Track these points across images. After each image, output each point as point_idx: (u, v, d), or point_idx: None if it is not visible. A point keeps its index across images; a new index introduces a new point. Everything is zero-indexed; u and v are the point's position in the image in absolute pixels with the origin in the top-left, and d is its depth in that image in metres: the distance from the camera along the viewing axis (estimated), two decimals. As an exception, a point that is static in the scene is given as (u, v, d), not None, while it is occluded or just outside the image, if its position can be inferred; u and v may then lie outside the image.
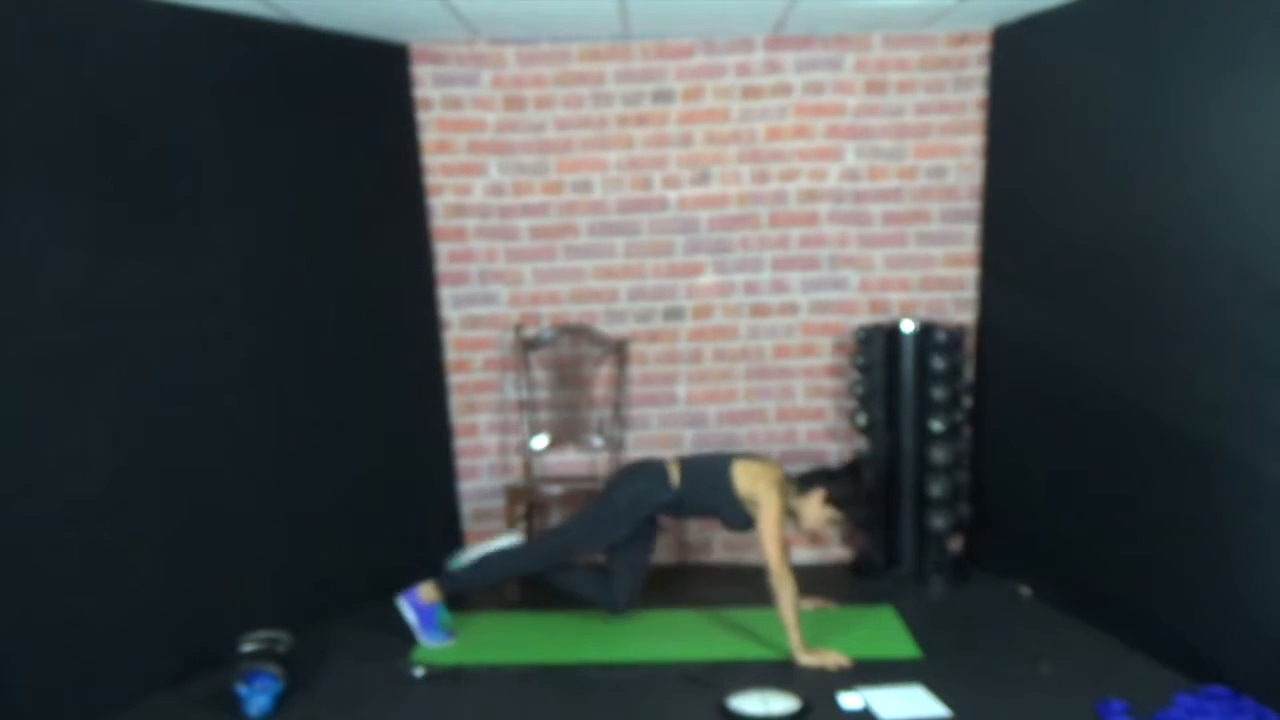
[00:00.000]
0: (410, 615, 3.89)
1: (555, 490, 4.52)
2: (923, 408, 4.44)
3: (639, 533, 4.04)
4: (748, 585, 4.24)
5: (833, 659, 3.62)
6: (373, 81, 4.40)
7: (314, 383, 4.12)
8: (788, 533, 3.83)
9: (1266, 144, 3.08)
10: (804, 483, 3.90)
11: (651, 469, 4.04)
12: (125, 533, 3.42)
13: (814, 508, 3.87)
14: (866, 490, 4.11)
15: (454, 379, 4.78)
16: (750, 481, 3.86)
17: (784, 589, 3.66)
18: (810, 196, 4.67)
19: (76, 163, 3.29)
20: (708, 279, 4.74)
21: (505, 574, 4.09)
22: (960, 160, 4.63)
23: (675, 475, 3.97)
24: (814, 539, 4.77)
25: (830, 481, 3.88)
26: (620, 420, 4.73)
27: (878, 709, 3.30)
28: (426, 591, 3.91)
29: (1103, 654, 3.70)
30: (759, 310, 4.76)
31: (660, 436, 4.84)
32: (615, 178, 4.67)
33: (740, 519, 3.90)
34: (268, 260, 3.94)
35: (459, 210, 4.67)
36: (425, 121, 4.58)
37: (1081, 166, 3.94)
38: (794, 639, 3.66)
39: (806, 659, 3.63)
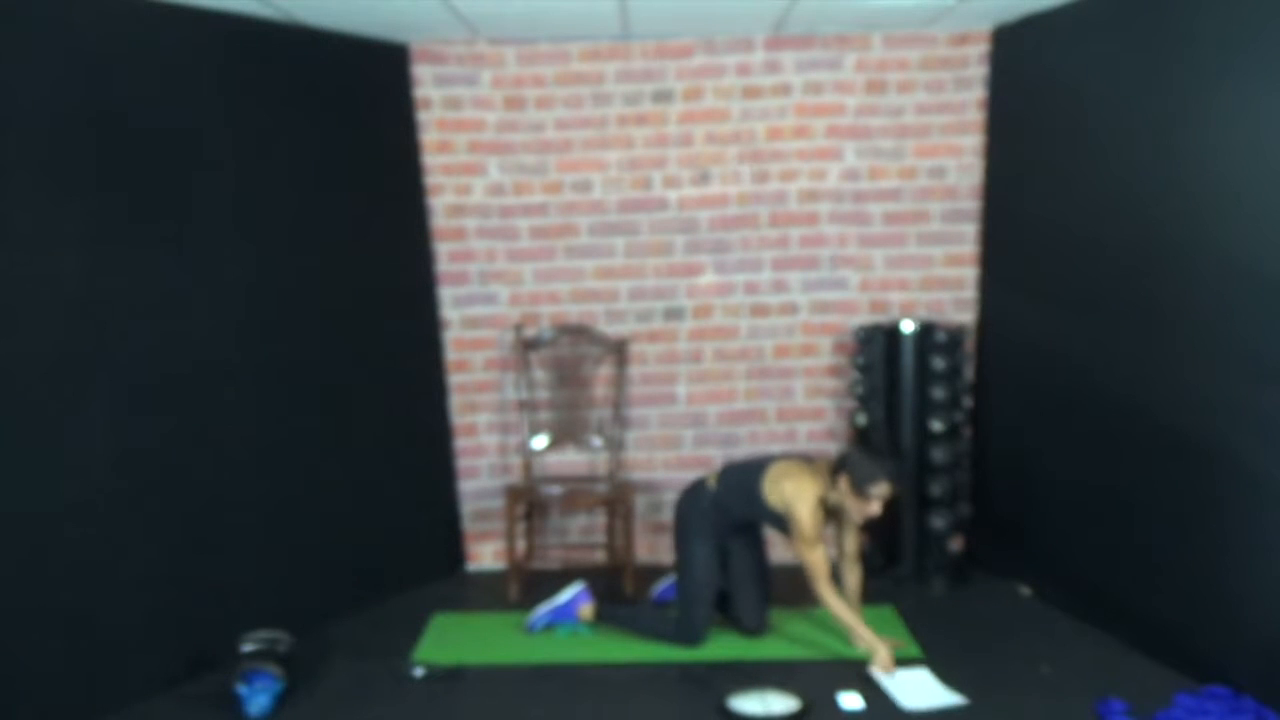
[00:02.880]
0: (564, 596, 4.03)
1: (555, 490, 4.51)
2: (923, 408, 4.44)
3: (736, 547, 3.94)
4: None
5: (884, 658, 3.55)
6: (373, 81, 4.40)
7: (314, 382, 4.12)
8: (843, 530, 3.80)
9: (1267, 144, 3.08)
10: (834, 477, 3.67)
11: (692, 484, 4.00)
12: (125, 533, 3.42)
13: (849, 501, 3.64)
14: (887, 453, 3.79)
15: (454, 379, 4.78)
16: (779, 492, 3.70)
17: (830, 600, 3.62)
18: (810, 196, 4.67)
19: (76, 163, 3.29)
20: (708, 279, 4.74)
21: (658, 630, 3.93)
22: (960, 160, 4.63)
23: (713, 482, 3.91)
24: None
25: (849, 469, 3.61)
26: (620, 420, 4.73)
27: (896, 695, 3.35)
28: (586, 611, 4.02)
29: (1103, 654, 3.70)
30: (759, 310, 4.76)
31: (660, 436, 4.84)
32: (615, 178, 4.67)
33: (782, 526, 3.77)
34: (267, 260, 3.94)
35: (459, 210, 4.67)
36: (425, 121, 4.58)
37: (1081, 166, 3.94)
38: (865, 639, 3.61)
39: (882, 657, 3.55)
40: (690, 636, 3.83)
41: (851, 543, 3.85)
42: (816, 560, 3.65)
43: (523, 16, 4.13)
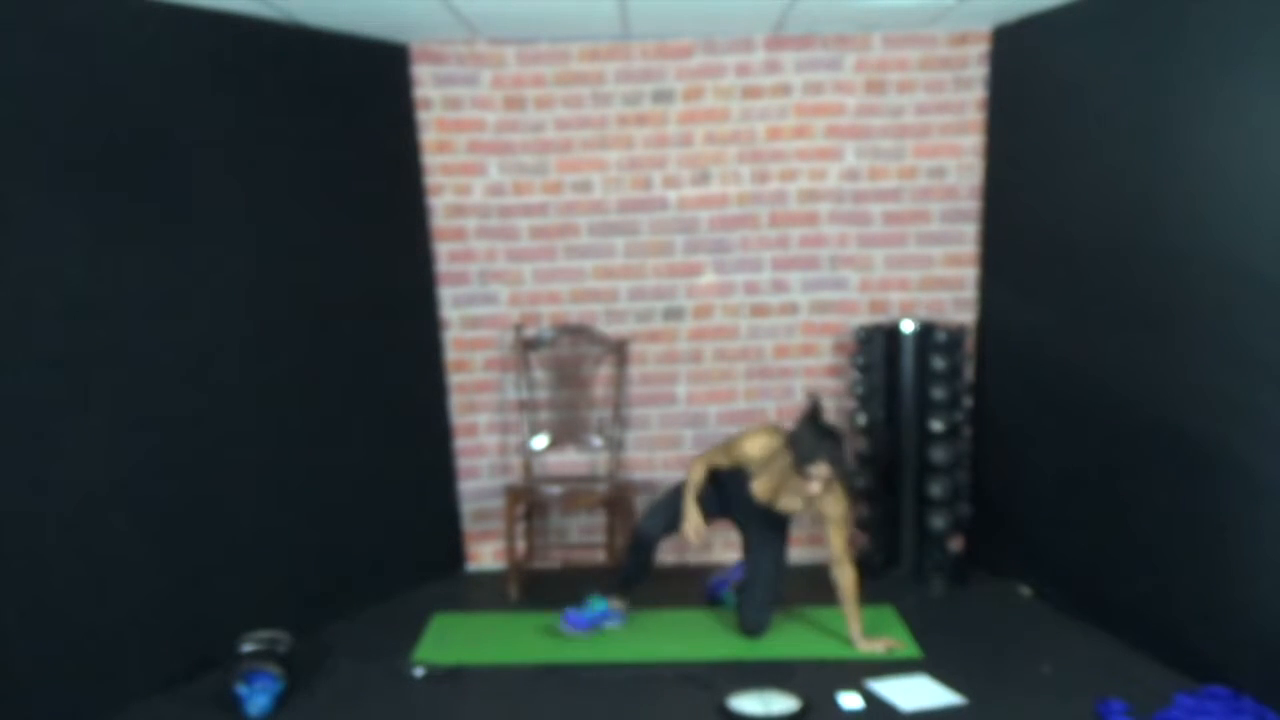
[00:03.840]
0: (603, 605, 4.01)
1: (555, 490, 4.51)
2: (923, 408, 4.44)
3: (754, 544, 3.96)
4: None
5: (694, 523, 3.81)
6: (373, 81, 4.40)
7: (314, 383, 4.12)
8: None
9: (1267, 143, 3.08)
10: (787, 449, 3.70)
11: None
12: (125, 533, 3.42)
13: (791, 476, 3.70)
14: (835, 434, 3.66)
15: (454, 379, 4.78)
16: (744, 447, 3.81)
17: (692, 475, 3.88)
18: (810, 196, 4.67)
19: (77, 163, 3.29)
20: (708, 279, 4.74)
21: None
22: (960, 160, 4.62)
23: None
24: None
25: (794, 445, 3.62)
26: (620, 420, 4.73)
27: (894, 700, 3.33)
28: (616, 601, 4.04)
29: (1103, 654, 3.70)
30: (759, 310, 4.76)
31: (660, 436, 4.84)
32: (615, 178, 4.67)
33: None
34: (267, 260, 3.94)
35: (459, 210, 4.67)
36: (425, 121, 4.58)
37: (1081, 166, 3.94)
38: (688, 506, 3.84)
39: (693, 522, 3.81)
40: (639, 526, 3.99)
41: (836, 543, 3.80)
42: (711, 456, 3.89)
43: (523, 16, 4.13)
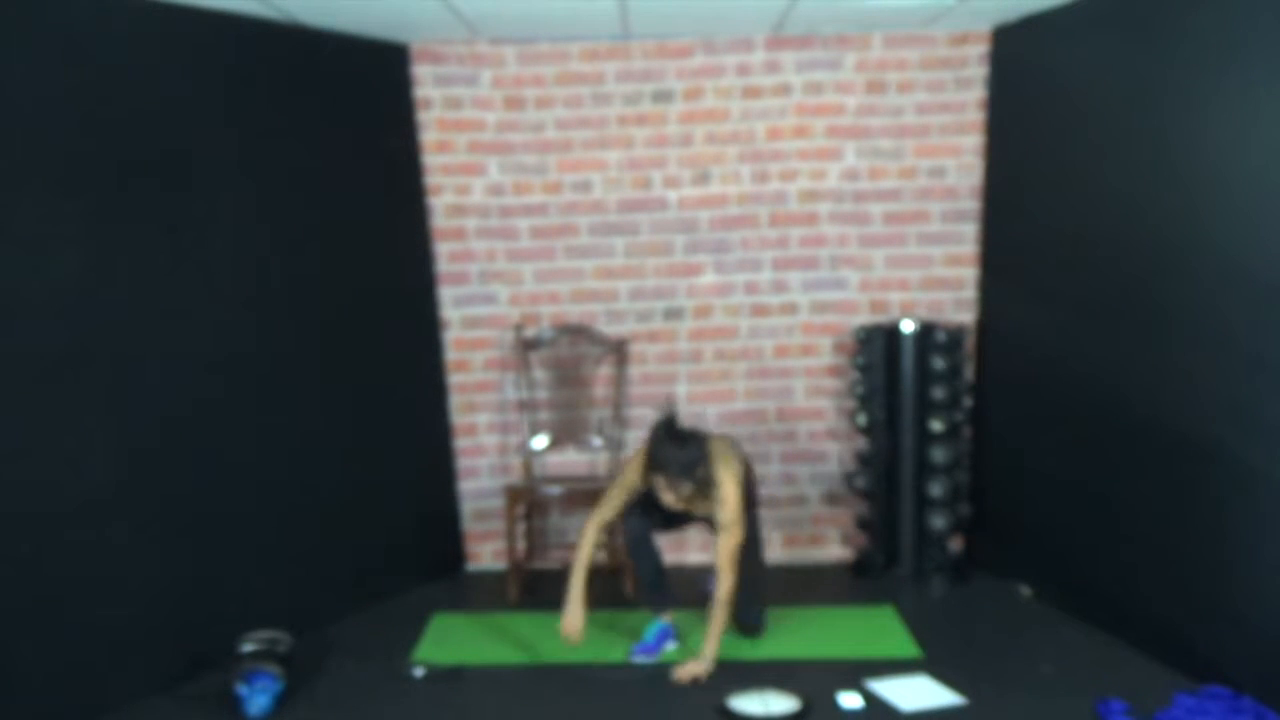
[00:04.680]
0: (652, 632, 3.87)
1: (555, 490, 4.51)
2: (923, 408, 4.44)
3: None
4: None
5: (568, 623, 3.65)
6: (373, 81, 4.40)
7: (314, 382, 4.12)
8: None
9: (1266, 143, 3.08)
10: None
11: None
12: (125, 533, 3.42)
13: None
14: (687, 443, 3.54)
15: (454, 379, 4.78)
16: None
17: (586, 532, 3.72)
18: (810, 196, 4.67)
19: (76, 163, 3.29)
20: (708, 279, 4.74)
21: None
22: (960, 160, 4.62)
23: None
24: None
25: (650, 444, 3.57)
26: (620, 420, 4.73)
27: (894, 700, 3.33)
28: (665, 616, 3.91)
29: (1103, 654, 3.70)
30: (759, 310, 4.76)
31: (660, 436, 4.83)
32: (615, 178, 4.67)
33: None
34: (267, 261, 3.94)
35: (459, 210, 4.67)
36: (425, 121, 4.58)
37: (1081, 166, 3.94)
38: (572, 589, 3.67)
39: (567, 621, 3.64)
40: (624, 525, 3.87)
41: (718, 545, 3.63)
42: (605, 506, 3.74)
43: (523, 16, 4.13)
